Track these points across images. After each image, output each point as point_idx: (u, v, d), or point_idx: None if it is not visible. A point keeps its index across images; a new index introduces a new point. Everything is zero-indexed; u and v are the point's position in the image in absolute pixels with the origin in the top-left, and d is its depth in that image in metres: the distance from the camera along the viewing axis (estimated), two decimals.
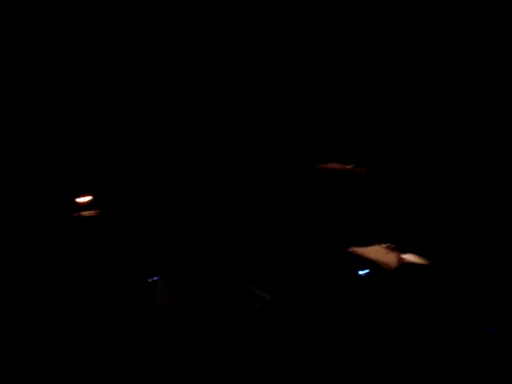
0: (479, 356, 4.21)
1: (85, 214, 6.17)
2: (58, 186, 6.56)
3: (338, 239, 5.45)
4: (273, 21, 6.24)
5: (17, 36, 6.17)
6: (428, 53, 5.99)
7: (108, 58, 6.47)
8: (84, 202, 6.36)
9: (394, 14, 6.03)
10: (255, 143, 6.31)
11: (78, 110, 6.63)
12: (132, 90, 6.58)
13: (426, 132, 5.73)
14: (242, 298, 3.83)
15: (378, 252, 4.90)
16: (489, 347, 4.22)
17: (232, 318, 3.67)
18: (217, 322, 3.79)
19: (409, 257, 4.70)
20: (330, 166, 5.31)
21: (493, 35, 5.66)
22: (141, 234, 6.11)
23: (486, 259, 4.60)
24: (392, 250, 4.85)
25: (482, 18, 5.71)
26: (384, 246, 4.92)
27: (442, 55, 5.94)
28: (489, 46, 5.68)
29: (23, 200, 6.51)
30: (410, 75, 6.06)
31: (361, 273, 4.96)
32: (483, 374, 4.14)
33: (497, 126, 5.46)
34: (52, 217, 6.34)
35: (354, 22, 6.13)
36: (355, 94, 6.26)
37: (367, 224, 5.50)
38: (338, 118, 6.26)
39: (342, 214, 5.79)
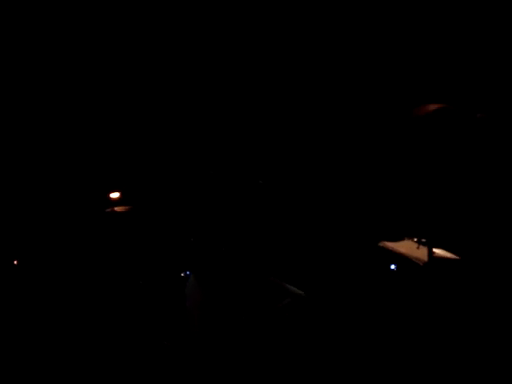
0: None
1: (117, 209, 6.24)
2: (91, 181, 6.64)
3: (369, 233, 5.44)
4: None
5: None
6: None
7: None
8: (116, 198, 6.42)
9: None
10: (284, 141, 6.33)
11: (108, 111, 6.67)
12: (161, 93, 6.60)
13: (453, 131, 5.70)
14: (271, 293, 3.85)
15: (408, 246, 4.89)
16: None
17: (261, 312, 3.69)
18: (246, 315, 3.81)
19: (439, 251, 4.68)
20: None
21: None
22: (171, 228, 6.15)
23: None
24: (422, 244, 4.84)
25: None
26: (414, 240, 4.91)
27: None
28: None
29: (59, 195, 6.60)
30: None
31: (392, 267, 4.96)
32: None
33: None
34: (86, 211, 6.42)
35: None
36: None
37: (398, 218, 5.48)
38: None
39: (372, 208, 5.78)
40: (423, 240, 4.88)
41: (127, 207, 6.32)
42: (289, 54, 6.35)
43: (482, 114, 4.46)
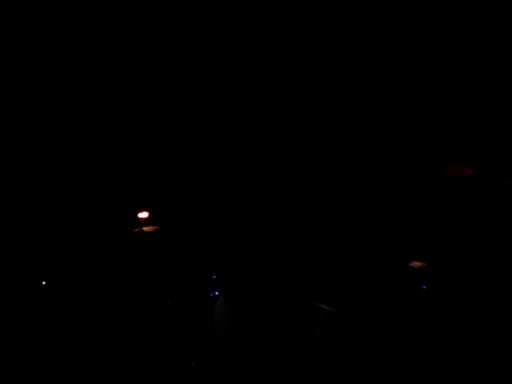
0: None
1: (146, 229, 6.26)
2: (120, 202, 6.66)
3: (399, 254, 5.43)
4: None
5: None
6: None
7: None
8: (144, 218, 6.45)
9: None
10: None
11: (139, 133, 6.69)
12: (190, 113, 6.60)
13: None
14: (301, 311, 3.81)
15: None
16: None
17: (292, 329, 3.65)
18: (276, 334, 3.77)
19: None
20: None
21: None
22: (200, 248, 6.16)
23: None
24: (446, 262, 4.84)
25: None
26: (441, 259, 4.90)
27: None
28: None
29: (89, 216, 6.63)
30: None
31: (423, 287, 4.94)
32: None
33: None
34: (115, 231, 6.44)
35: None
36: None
37: (428, 240, 5.46)
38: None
39: (404, 230, 5.76)
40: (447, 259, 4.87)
41: (156, 227, 6.34)
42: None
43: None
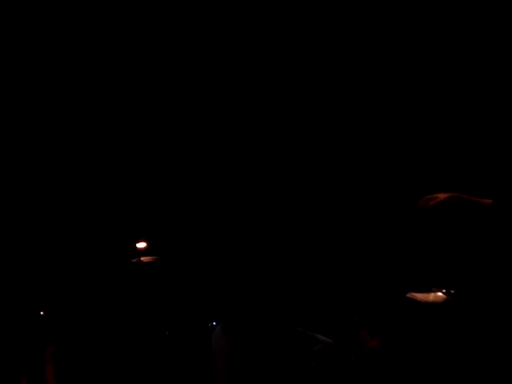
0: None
1: (144, 259, 6.27)
2: (118, 232, 6.67)
3: (397, 285, 5.43)
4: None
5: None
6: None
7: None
8: (142, 248, 6.46)
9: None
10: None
11: (137, 162, 6.70)
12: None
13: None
14: (298, 342, 3.82)
15: (436, 297, 4.87)
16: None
17: (290, 360, 3.65)
18: (274, 365, 3.77)
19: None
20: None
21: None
22: (197, 279, 6.16)
23: None
24: (450, 295, 4.82)
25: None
26: (443, 291, 4.89)
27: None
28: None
29: (87, 246, 6.64)
30: None
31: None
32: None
33: None
34: (113, 261, 6.45)
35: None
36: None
37: (426, 270, 5.47)
38: None
39: (401, 260, 5.78)
40: (451, 291, 4.86)
41: (154, 257, 6.35)
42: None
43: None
